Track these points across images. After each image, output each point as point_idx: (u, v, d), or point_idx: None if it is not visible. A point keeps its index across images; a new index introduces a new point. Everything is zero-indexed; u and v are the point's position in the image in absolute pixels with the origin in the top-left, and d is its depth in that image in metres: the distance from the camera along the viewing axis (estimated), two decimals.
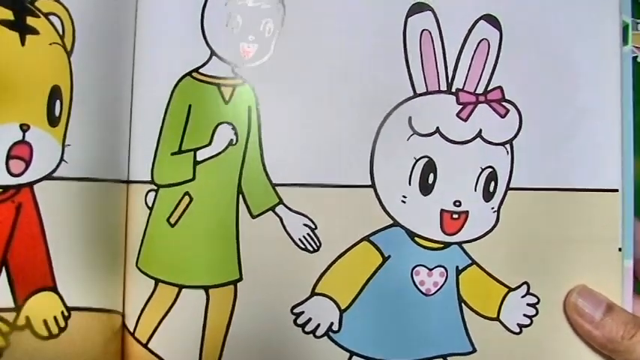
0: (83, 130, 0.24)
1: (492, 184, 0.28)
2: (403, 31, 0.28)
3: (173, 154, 0.27)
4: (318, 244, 0.27)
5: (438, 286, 0.28)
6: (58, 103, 0.23)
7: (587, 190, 0.29)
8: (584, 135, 0.29)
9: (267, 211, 0.27)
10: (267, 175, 0.27)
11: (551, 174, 0.29)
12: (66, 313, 0.24)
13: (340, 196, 0.27)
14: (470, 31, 0.28)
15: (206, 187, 0.27)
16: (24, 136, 0.22)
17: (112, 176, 0.26)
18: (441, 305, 0.28)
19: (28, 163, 0.22)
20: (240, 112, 0.27)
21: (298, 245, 0.27)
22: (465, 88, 0.28)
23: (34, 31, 0.22)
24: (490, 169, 0.28)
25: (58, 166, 0.23)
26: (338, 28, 0.28)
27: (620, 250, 0.29)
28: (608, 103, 0.29)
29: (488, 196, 0.28)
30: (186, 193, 0.27)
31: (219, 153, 0.27)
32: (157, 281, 0.27)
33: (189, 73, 0.27)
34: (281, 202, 0.27)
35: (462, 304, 0.28)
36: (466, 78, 0.28)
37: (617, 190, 0.29)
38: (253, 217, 0.27)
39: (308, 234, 0.27)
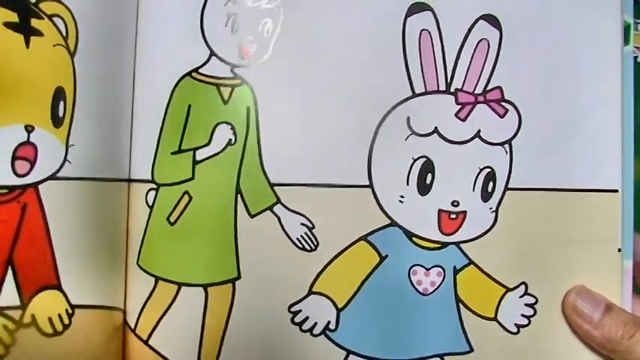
0: (86, 131, 0.25)
1: (491, 184, 0.29)
2: (402, 31, 0.29)
3: (173, 153, 0.28)
4: (315, 243, 0.28)
5: (436, 286, 0.29)
6: (61, 104, 0.24)
7: (586, 190, 0.30)
8: (584, 135, 0.30)
9: (265, 210, 0.28)
10: (265, 174, 0.28)
11: (551, 174, 0.30)
12: (70, 311, 0.25)
13: (338, 195, 0.28)
14: (469, 31, 0.29)
15: (205, 186, 0.28)
16: (29, 137, 0.23)
17: (113, 175, 0.27)
18: (439, 305, 0.29)
19: (32, 164, 0.23)
20: (238, 112, 0.28)
21: (296, 244, 0.28)
22: (464, 88, 0.29)
23: (38, 33, 0.23)
24: (489, 169, 0.29)
25: (62, 166, 0.24)
26: (337, 28, 0.29)
27: (619, 250, 0.30)
28: (608, 103, 0.30)
29: (486, 196, 0.29)
30: (186, 192, 0.28)
31: (218, 153, 0.28)
32: (157, 279, 0.28)
33: (188, 73, 0.28)
34: (279, 201, 0.28)
35: (460, 304, 0.29)
36: (465, 78, 0.29)
37: (616, 191, 0.30)
38: (251, 216, 0.28)
39: (305, 233, 0.28)
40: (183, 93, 0.28)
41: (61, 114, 0.24)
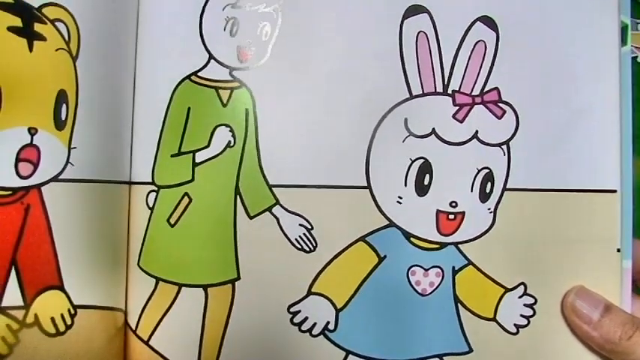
0: (87, 133, 0.26)
1: (489, 184, 0.30)
2: (399, 33, 0.30)
3: (173, 155, 0.29)
4: (314, 244, 0.29)
5: (434, 287, 0.30)
6: (64, 107, 0.25)
7: (585, 190, 0.30)
8: (582, 135, 0.30)
9: (264, 211, 0.29)
10: (264, 176, 0.29)
11: (549, 174, 0.30)
12: (72, 311, 0.26)
13: (336, 196, 0.29)
14: (466, 32, 0.30)
15: (205, 187, 0.29)
16: (32, 140, 0.24)
17: (114, 178, 0.28)
18: (437, 305, 0.30)
19: (36, 166, 0.24)
20: (237, 115, 0.29)
21: (295, 245, 0.29)
22: (461, 90, 0.30)
23: (41, 38, 0.24)
24: (486, 170, 0.30)
25: (64, 168, 0.25)
26: (334, 30, 0.29)
27: (618, 250, 0.30)
28: (606, 103, 0.30)
29: (484, 196, 0.30)
30: (186, 194, 0.29)
31: (218, 155, 0.29)
32: (158, 280, 0.29)
33: (188, 77, 0.29)
34: (277, 202, 0.29)
35: (458, 305, 0.30)
36: (462, 79, 0.30)
37: (615, 191, 0.30)
38: (250, 217, 0.29)
39: (304, 234, 0.29)
40: (182, 96, 0.29)
41: (63, 117, 0.25)
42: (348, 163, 0.30)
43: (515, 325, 0.30)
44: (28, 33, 0.24)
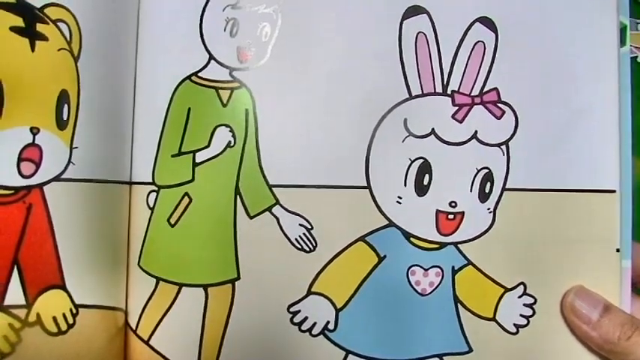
0: (89, 133, 0.27)
1: (488, 184, 0.31)
2: (399, 34, 0.30)
3: (173, 155, 0.30)
4: (314, 244, 0.30)
5: (434, 286, 0.31)
6: (65, 106, 0.26)
7: (584, 190, 0.31)
8: (582, 136, 0.31)
9: (264, 211, 0.30)
10: (264, 176, 0.30)
11: (549, 175, 0.31)
12: (74, 311, 0.26)
13: (336, 196, 0.30)
14: (465, 33, 0.31)
15: (205, 187, 0.30)
16: (34, 139, 0.25)
17: (115, 178, 0.29)
18: (437, 305, 0.31)
19: (38, 165, 0.25)
20: (237, 115, 0.30)
21: (294, 245, 0.30)
22: (460, 90, 0.31)
23: (43, 38, 0.25)
24: (486, 170, 0.31)
25: (66, 167, 0.26)
26: (334, 31, 0.30)
27: (618, 250, 0.31)
28: (605, 103, 0.31)
29: (484, 196, 0.31)
30: (186, 194, 0.30)
31: (218, 155, 0.30)
32: (158, 280, 0.30)
33: (188, 77, 0.30)
34: (277, 202, 0.30)
35: (458, 304, 0.31)
36: (462, 80, 0.31)
37: (614, 191, 0.31)
38: (250, 217, 0.30)
39: (304, 234, 0.30)
40: (183, 96, 0.30)
41: (65, 117, 0.26)
42: (347, 163, 0.30)
43: (514, 324, 0.31)
44: (30, 33, 0.25)
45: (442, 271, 0.31)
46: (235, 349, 0.30)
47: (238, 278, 0.30)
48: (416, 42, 0.31)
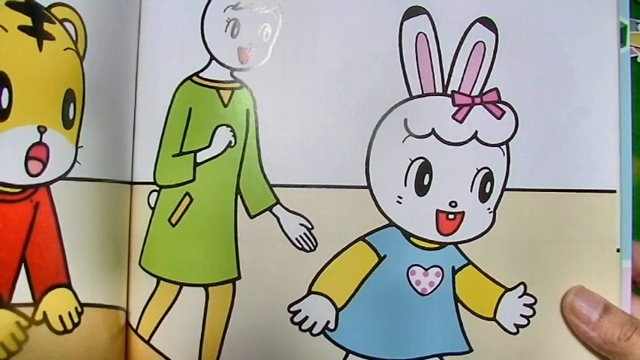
0: (93, 133, 0.28)
1: (488, 184, 0.32)
2: (399, 35, 0.32)
3: (174, 155, 0.32)
4: (314, 243, 0.32)
5: (434, 286, 0.32)
6: (71, 106, 0.27)
7: (584, 190, 0.33)
8: (582, 136, 0.33)
9: (264, 211, 0.32)
10: (264, 176, 0.32)
11: (549, 175, 0.32)
12: (79, 309, 0.28)
13: (336, 196, 0.32)
14: (465, 33, 0.32)
15: (206, 187, 0.31)
16: (41, 138, 0.26)
17: (116, 177, 0.30)
18: (437, 305, 0.32)
19: (45, 164, 0.26)
20: (238, 115, 0.32)
21: (295, 245, 0.32)
22: (460, 90, 0.32)
23: (50, 37, 0.27)
24: (486, 170, 0.32)
25: (72, 166, 0.27)
26: (334, 31, 0.32)
27: (618, 250, 0.32)
28: (605, 103, 0.33)
29: (484, 196, 0.32)
30: (187, 194, 0.31)
31: (219, 155, 0.31)
32: (159, 279, 0.31)
33: (189, 77, 0.31)
34: (278, 202, 0.32)
35: (458, 304, 0.32)
36: (462, 80, 0.32)
37: (614, 191, 0.33)
38: (251, 217, 0.32)
39: (304, 234, 0.32)
40: (184, 97, 0.32)
41: (71, 116, 0.27)
42: (348, 163, 0.32)
43: (515, 324, 0.32)
44: (38, 32, 0.26)
45: (442, 270, 0.32)
46: (236, 349, 0.31)
47: (239, 278, 0.32)
48: (416, 42, 0.32)
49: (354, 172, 0.32)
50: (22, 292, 0.26)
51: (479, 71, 0.33)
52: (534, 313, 0.33)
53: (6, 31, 0.25)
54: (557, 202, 0.33)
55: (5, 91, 0.25)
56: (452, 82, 0.32)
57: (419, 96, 0.32)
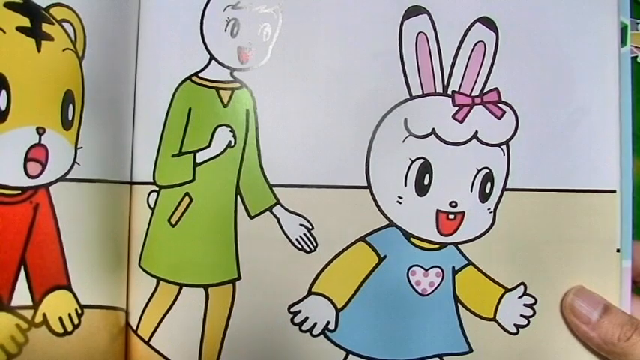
0: (92, 134, 0.28)
1: (488, 185, 0.33)
2: (399, 34, 0.32)
3: (174, 156, 0.32)
4: (314, 244, 0.32)
5: (434, 286, 0.33)
6: (71, 107, 0.27)
7: (584, 190, 0.33)
8: (582, 136, 0.33)
9: (264, 211, 0.32)
10: (264, 176, 0.32)
11: (549, 175, 0.33)
12: (79, 311, 0.28)
13: (337, 196, 0.32)
14: (466, 33, 0.32)
15: (205, 188, 0.32)
16: (40, 140, 0.26)
17: (116, 178, 0.30)
18: (438, 305, 0.32)
19: (44, 166, 0.26)
20: (238, 115, 0.32)
21: (295, 245, 0.32)
22: (461, 90, 0.32)
23: (49, 38, 0.27)
24: (486, 170, 0.32)
25: (71, 168, 0.27)
26: (334, 31, 0.32)
27: (618, 250, 0.33)
28: (606, 103, 0.33)
29: (484, 197, 0.33)
30: (187, 194, 0.32)
31: (218, 155, 0.32)
32: (159, 280, 0.32)
33: (189, 77, 0.32)
34: (278, 202, 0.32)
35: (459, 304, 0.33)
36: (462, 80, 0.32)
37: (614, 191, 0.33)
38: (251, 217, 0.32)
39: (304, 234, 0.32)
40: (183, 97, 0.32)
41: (70, 117, 0.27)
42: (348, 163, 0.32)
43: (515, 325, 0.33)
44: (36, 33, 0.26)
45: (442, 271, 0.33)
46: (236, 350, 0.32)
47: (239, 278, 0.32)
48: (416, 42, 0.32)
49: (354, 172, 0.32)
50: (21, 294, 0.26)
51: (479, 71, 0.33)
52: (534, 313, 0.33)
53: (4, 32, 0.25)
54: (557, 202, 0.33)
55: (4, 92, 0.25)
56: (452, 82, 0.33)
57: (419, 96, 0.32)
